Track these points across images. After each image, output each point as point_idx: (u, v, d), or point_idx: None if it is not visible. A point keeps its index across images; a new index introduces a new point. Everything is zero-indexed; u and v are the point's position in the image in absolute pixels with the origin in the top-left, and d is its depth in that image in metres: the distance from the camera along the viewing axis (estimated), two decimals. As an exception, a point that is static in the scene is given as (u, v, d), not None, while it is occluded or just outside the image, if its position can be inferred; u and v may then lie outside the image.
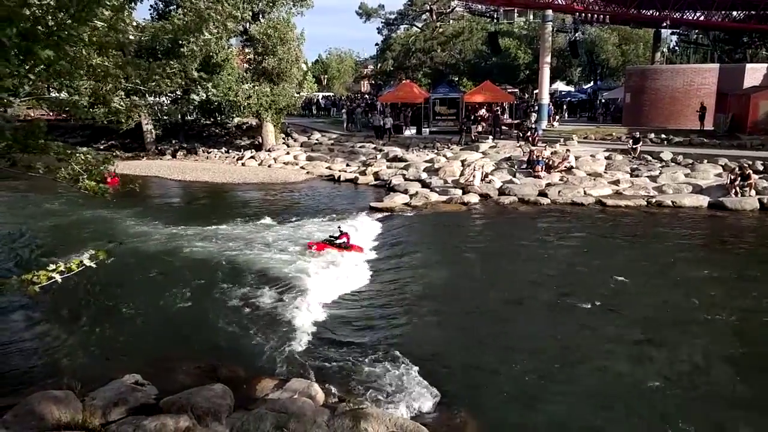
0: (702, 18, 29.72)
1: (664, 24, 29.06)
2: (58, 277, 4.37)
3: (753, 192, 17.27)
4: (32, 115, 24.80)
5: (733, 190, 17.35)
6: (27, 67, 4.24)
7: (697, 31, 36.21)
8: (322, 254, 13.13)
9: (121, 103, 6.16)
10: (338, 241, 13.34)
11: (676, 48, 46.96)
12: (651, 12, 29.02)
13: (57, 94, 6.38)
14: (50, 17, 4.30)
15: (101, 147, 29.81)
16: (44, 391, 6.51)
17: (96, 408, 6.36)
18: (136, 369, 7.62)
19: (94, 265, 4.48)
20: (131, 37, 5.44)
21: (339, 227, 14.03)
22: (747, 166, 18.27)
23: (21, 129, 4.95)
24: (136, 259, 12.72)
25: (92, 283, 11.12)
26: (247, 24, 27.28)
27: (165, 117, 30.62)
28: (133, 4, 5.44)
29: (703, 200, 17.46)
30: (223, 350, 8.66)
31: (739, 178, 17.48)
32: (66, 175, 5.07)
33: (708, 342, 8.80)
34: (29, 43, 3.99)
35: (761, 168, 19.14)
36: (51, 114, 27.05)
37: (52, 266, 4.39)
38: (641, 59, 42.27)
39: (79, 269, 4.47)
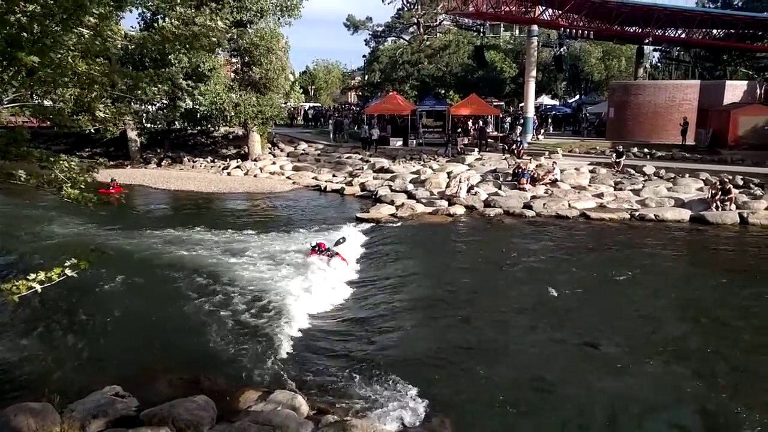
0: (683, 35, 30.33)
1: (647, 40, 29.58)
2: (38, 287, 4.28)
3: (733, 206, 17.55)
4: (15, 122, 24.47)
5: (714, 204, 17.62)
6: (10, 74, 4.20)
7: (678, 48, 36.95)
8: (311, 261, 13.14)
9: (107, 111, 6.10)
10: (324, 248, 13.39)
11: (659, 64, 47.80)
12: (634, 29, 29.57)
13: (41, 101, 6.31)
14: (36, 24, 4.27)
15: (85, 155, 29.48)
16: (21, 403, 6.38)
17: (74, 420, 6.25)
18: (116, 380, 7.50)
19: (76, 275, 4.39)
20: (118, 45, 5.41)
21: (341, 238, 14.27)
22: (727, 180, 18.58)
23: (2, 136, 4.88)
24: (117, 268, 12.54)
25: (72, 293, 10.94)
26: (236, 36, 27.27)
27: (151, 125, 30.40)
28: (120, 12, 5.42)
29: (685, 214, 17.71)
30: (206, 361, 8.56)
31: (719, 193, 17.76)
32: (48, 183, 5.00)
33: (686, 356, 8.90)
34: (13, 50, 3.95)
35: (741, 183, 19.51)
36: (34, 121, 26.73)
37: (32, 275, 4.31)
38: (624, 74, 42.97)
39: (60, 279, 4.39)
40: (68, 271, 4.36)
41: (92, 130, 5.90)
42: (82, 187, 5.06)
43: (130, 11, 5.92)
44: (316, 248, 13.45)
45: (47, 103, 6.03)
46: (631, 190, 20.06)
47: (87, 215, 16.86)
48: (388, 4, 50.36)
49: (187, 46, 5.18)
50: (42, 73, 4.62)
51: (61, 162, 5.09)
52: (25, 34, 4.10)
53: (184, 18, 5.32)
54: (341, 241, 14.03)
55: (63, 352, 8.86)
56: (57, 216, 17.91)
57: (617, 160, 22.63)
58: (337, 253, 13.38)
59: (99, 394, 6.98)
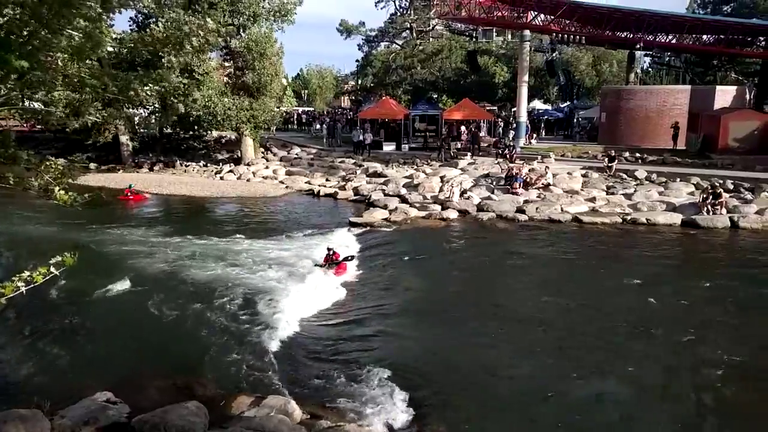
0: (674, 41, 30.53)
1: (638, 46, 29.78)
2: (23, 288, 4.20)
3: (724, 210, 17.65)
4: (4, 125, 24.28)
5: (705, 209, 17.72)
6: (-1, 76, 4.15)
7: (669, 53, 37.21)
8: (316, 270, 13.03)
9: (98, 115, 6.05)
10: (332, 261, 13.26)
11: (650, 69, 48.13)
12: (625, 34, 29.73)
13: (30, 104, 6.25)
14: (24, 27, 4.23)
15: (76, 159, 29.26)
16: (10, 409, 6.30)
17: (65, 427, 6.19)
18: (107, 386, 7.43)
19: (63, 276, 4.32)
20: (109, 48, 5.36)
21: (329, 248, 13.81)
22: (718, 185, 18.71)
23: (-10, 139, 4.82)
24: (108, 273, 12.46)
25: (62, 298, 10.86)
26: (228, 38, 27.20)
27: (143, 129, 30.23)
28: (110, 14, 5.38)
29: (677, 218, 17.79)
30: (198, 367, 8.50)
31: (710, 197, 17.87)
32: (37, 186, 4.93)
33: (672, 357, 8.92)
34: (2, 53, 3.90)
35: (731, 187, 19.64)
36: (25, 125, 26.52)
37: (17, 276, 4.23)
38: (615, 79, 43.23)
39: (46, 279, 4.31)
40: (53, 269, 4.28)
41: (77, 126, 5.82)
42: (66, 188, 4.99)
43: (120, 12, 5.86)
44: (330, 254, 13.30)
45: (37, 105, 5.97)
46: (623, 194, 20.14)
47: (78, 219, 16.74)
48: (381, 9, 50.58)
49: (178, 47, 5.15)
50: (32, 76, 4.57)
51: (48, 164, 5.03)
52: (13, 37, 4.06)
53: (175, 21, 5.29)
54: (350, 258, 13.61)
55: (53, 358, 8.77)
56: (46, 219, 17.77)
57: (609, 164, 22.75)
58: (339, 264, 13.21)
59: (90, 400, 6.91)
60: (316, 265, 13.36)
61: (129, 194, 22.40)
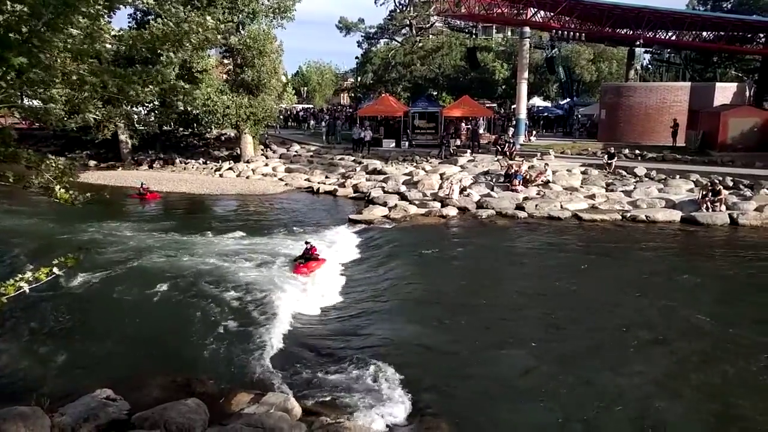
0: (674, 38, 30.52)
1: (638, 43, 29.76)
2: (26, 287, 4.22)
3: (723, 207, 17.68)
4: (3, 123, 24.28)
5: (705, 205, 17.74)
6: (-1, 74, 4.16)
7: (669, 50, 37.22)
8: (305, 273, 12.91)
9: (97, 113, 6.05)
10: (307, 256, 13.18)
11: (650, 66, 48.09)
12: (625, 31, 29.72)
13: (30, 102, 6.25)
14: (24, 25, 4.22)
15: (76, 157, 29.25)
16: (10, 407, 6.31)
17: (65, 425, 6.20)
18: (107, 384, 7.45)
19: (62, 274, 4.33)
20: (108, 45, 5.36)
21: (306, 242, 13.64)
22: (718, 182, 18.73)
23: (-10, 137, 4.82)
24: (107, 271, 12.47)
25: (62, 296, 10.87)
26: (228, 35, 27.15)
27: (142, 127, 30.20)
28: (111, 13, 5.37)
29: (676, 215, 17.81)
30: (198, 364, 8.52)
31: (710, 194, 17.90)
32: (37, 184, 4.93)
33: (672, 357, 8.95)
34: (1, 51, 3.90)
35: (731, 184, 19.65)
36: (24, 122, 26.55)
37: (19, 276, 4.24)
38: (615, 76, 43.20)
39: (49, 278, 4.33)
40: (56, 270, 4.30)
41: (74, 128, 5.83)
42: (67, 186, 5.00)
43: (119, 8, 5.85)
44: (308, 248, 13.23)
45: (36, 103, 5.98)
46: (622, 191, 20.16)
47: (77, 216, 16.72)
48: (381, 5, 50.47)
49: (177, 44, 5.14)
50: (31, 74, 4.57)
51: (48, 162, 5.03)
52: (12, 35, 4.06)
53: (176, 18, 5.28)
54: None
55: (53, 356, 8.78)
56: (44, 216, 17.77)
57: (609, 161, 22.75)
58: (309, 260, 13.10)
59: (90, 397, 6.92)
60: (293, 260, 13.25)
61: (143, 192, 22.36)
